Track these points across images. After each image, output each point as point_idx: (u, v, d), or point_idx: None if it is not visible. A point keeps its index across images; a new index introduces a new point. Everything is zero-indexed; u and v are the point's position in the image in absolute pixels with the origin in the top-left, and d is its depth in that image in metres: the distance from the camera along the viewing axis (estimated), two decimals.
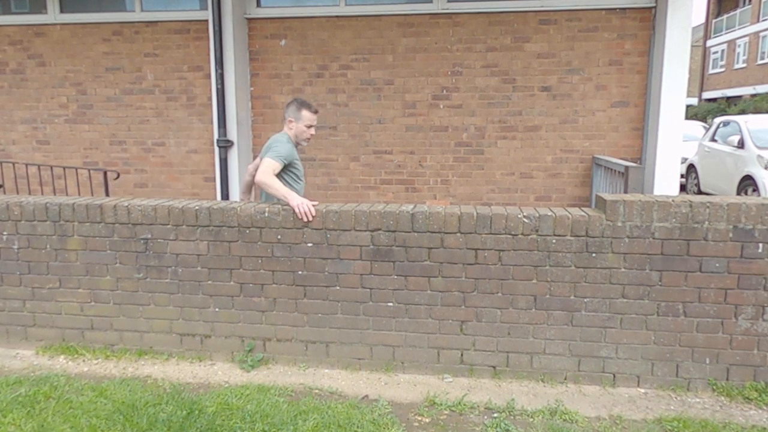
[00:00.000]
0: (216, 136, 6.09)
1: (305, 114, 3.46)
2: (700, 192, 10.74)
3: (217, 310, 3.30)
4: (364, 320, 3.18)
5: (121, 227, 3.30)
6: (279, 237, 3.17)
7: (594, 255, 2.94)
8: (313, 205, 3.14)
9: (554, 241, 2.96)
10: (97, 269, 3.37)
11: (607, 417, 2.75)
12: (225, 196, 6.16)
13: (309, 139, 3.55)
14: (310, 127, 3.49)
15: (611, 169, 5.03)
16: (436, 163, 6.11)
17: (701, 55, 31.45)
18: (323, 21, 6.04)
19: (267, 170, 3.23)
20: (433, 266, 3.08)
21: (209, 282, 3.28)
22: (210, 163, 6.37)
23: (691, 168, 11.38)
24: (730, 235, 2.86)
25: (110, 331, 3.42)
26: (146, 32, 6.28)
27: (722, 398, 2.92)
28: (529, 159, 5.98)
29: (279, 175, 3.32)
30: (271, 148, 3.35)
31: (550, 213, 2.97)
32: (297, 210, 3.13)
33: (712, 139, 10.65)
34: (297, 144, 3.53)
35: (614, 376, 3.04)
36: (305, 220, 3.13)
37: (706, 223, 2.87)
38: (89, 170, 6.14)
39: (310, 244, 3.16)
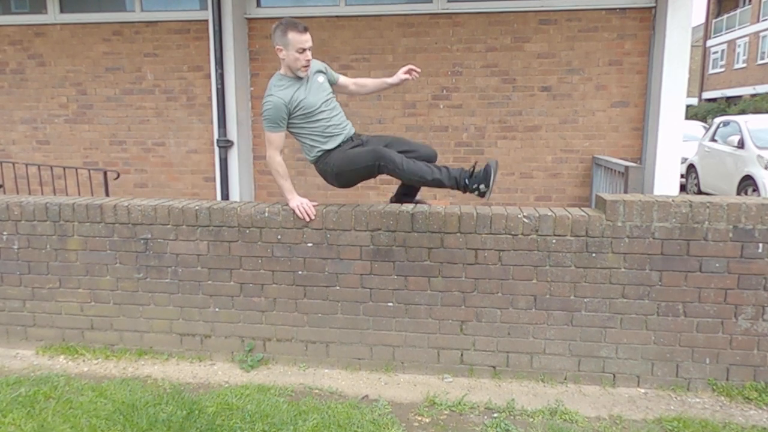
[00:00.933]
0: (216, 136, 6.08)
1: (292, 37, 2.90)
2: (700, 192, 10.74)
3: (217, 310, 3.30)
4: (364, 320, 3.18)
5: (121, 227, 3.30)
6: (279, 237, 3.17)
7: (594, 255, 2.94)
8: (314, 205, 3.14)
9: (554, 241, 2.96)
10: (97, 269, 3.37)
11: (607, 417, 2.75)
12: (225, 196, 6.16)
13: (306, 67, 2.97)
14: (302, 51, 2.92)
15: (611, 169, 5.03)
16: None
17: (701, 55, 31.45)
18: (323, 21, 6.04)
19: (269, 151, 3.00)
20: (433, 266, 3.08)
21: (209, 282, 3.28)
22: (210, 163, 6.37)
23: (691, 168, 11.38)
24: (730, 235, 2.86)
25: (110, 331, 3.42)
26: (146, 32, 6.28)
27: (722, 398, 2.92)
28: (529, 159, 5.98)
29: (298, 135, 3.05)
30: (263, 119, 2.98)
31: (550, 213, 2.97)
32: (296, 211, 3.07)
33: (712, 139, 10.65)
34: (296, 75, 3.01)
35: (614, 376, 3.04)
36: (306, 220, 3.08)
37: (706, 223, 2.87)
38: (89, 170, 6.14)
39: (310, 244, 3.16)
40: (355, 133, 3.22)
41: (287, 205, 3.13)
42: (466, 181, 2.95)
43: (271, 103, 2.94)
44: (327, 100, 3.09)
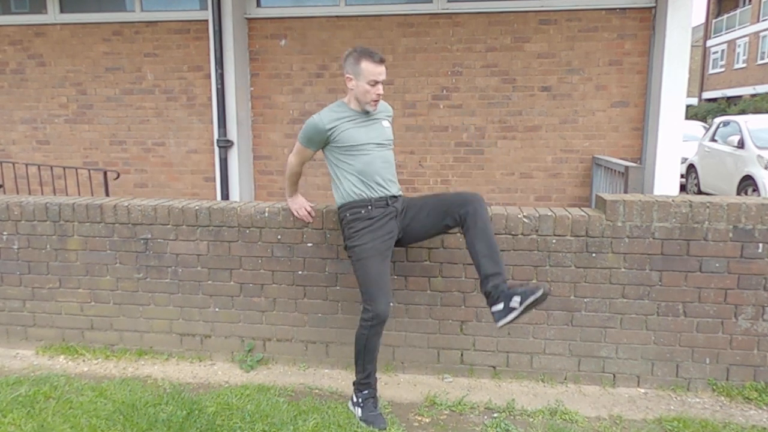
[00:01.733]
0: (216, 136, 6.09)
1: (366, 66, 2.61)
2: (700, 192, 10.74)
3: (217, 310, 3.30)
4: None
5: (121, 227, 3.30)
6: (279, 237, 3.17)
7: (594, 255, 2.94)
8: (312, 206, 3.13)
9: (554, 241, 2.96)
10: (97, 269, 3.37)
11: (607, 417, 2.75)
12: (225, 196, 6.16)
13: (376, 102, 2.69)
14: (375, 84, 2.65)
15: (611, 169, 5.04)
16: (436, 163, 6.11)
17: (701, 55, 31.45)
18: (323, 21, 6.04)
19: (292, 154, 2.89)
20: (433, 266, 3.07)
21: (209, 282, 3.28)
22: (210, 163, 6.37)
23: (691, 168, 11.38)
24: (730, 235, 2.86)
25: (110, 331, 3.42)
26: (146, 32, 6.28)
27: (722, 398, 2.92)
28: (529, 159, 5.98)
29: (331, 159, 2.75)
30: (300, 134, 2.81)
31: (550, 213, 2.97)
32: (295, 213, 3.06)
33: (712, 139, 10.65)
34: (363, 111, 2.73)
35: (614, 376, 3.04)
36: (305, 221, 3.06)
37: (706, 223, 2.87)
38: (89, 170, 6.14)
39: (310, 244, 3.16)
40: (401, 198, 2.79)
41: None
42: (501, 289, 2.50)
43: (310, 122, 2.73)
44: (381, 144, 2.74)
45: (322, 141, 2.71)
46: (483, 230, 2.57)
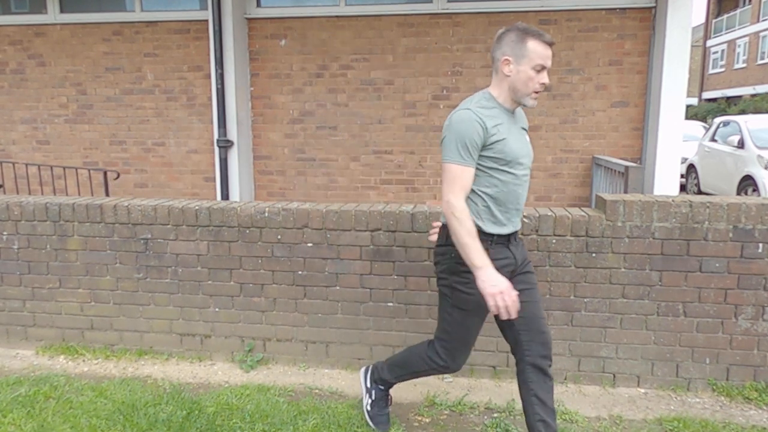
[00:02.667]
0: (216, 136, 6.09)
1: (534, 47, 2.06)
2: (700, 192, 10.74)
3: (217, 310, 3.30)
4: (364, 320, 3.18)
5: (121, 227, 3.30)
6: (279, 237, 3.17)
7: (594, 255, 2.94)
8: (314, 207, 3.12)
9: (554, 241, 2.96)
10: (97, 269, 3.37)
11: (607, 417, 2.75)
12: (225, 196, 6.16)
13: (538, 93, 2.13)
14: (541, 69, 2.09)
15: (611, 169, 5.04)
16: (436, 163, 6.11)
17: (701, 55, 31.46)
18: (323, 21, 6.04)
19: (449, 191, 2.06)
20: (433, 266, 3.07)
21: (209, 282, 3.28)
22: (210, 163, 6.37)
23: (691, 168, 11.38)
24: (730, 235, 2.86)
25: (110, 331, 3.42)
26: (146, 32, 6.28)
27: (722, 398, 2.92)
28: None
29: (477, 174, 2.12)
30: (445, 143, 2.09)
31: (550, 213, 2.97)
32: (491, 299, 2.01)
33: (712, 139, 10.65)
34: (518, 104, 2.18)
35: (614, 376, 3.04)
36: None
37: (706, 223, 2.87)
38: (89, 170, 6.14)
39: (310, 244, 3.16)
40: (521, 243, 2.34)
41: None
42: None
43: (464, 118, 2.06)
44: (528, 164, 2.22)
45: (479, 146, 2.06)
46: (551, 386, 2.26)
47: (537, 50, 2.07)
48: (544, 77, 2.10)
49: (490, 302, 2.00)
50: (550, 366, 2.25)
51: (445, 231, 2.21)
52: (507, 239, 2.20)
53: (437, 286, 2.33)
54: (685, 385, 2.99)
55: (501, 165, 2.10)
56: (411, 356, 2.47)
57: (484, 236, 2.13)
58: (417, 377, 2.54)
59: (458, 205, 2.05)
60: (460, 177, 2.07)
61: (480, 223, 2.13)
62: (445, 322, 2.30)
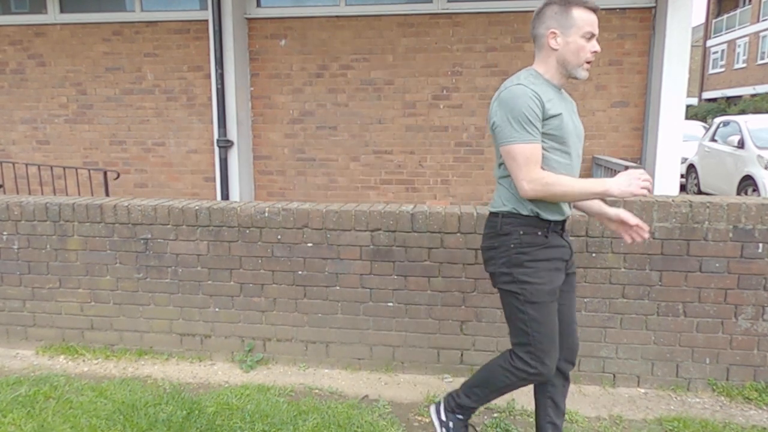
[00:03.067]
0: (216, 136, 6.09)
1: (580, 15, 1.96)
2: (700, 192, 10.74)
3: (217, 310, 3.30)
4: (364, 320, 3.18)
5: (121, 227, 3.30)
6: (279, 237, 3.17)
7: (594, 255, 2.94)
8: (315, 206, 3.12)
9: None
10: (97, 269, 3.37)
11: (607, 417, 2.75)
12: (225, 196, 6.16)
13: (590, 63, 2.02)
14: (591, 37, 1.99)
15: (611, 169, 5.04)
16: (436, 163, 6.11)
17: (701, 55, 31.46)
18: (323, 21, 6.04)
19: (525, 171, 1.91)
20: (433, 266, 3.07)
21: (209, 282, 3.28)
22: (210, 163, 6.37)
23: (691, 168, 11.38)
24: (730, 235, 2.86)
25: (110, 331, 3.42)
26: (146, 32, 6.28)
27: (722, 398, 2.92)
28: None
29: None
30: (499, 124, 1.95)
31: None
32: (634, 191, 1.88)
33: (712, 139, 10.65)
34: (568, 78, 2.07)
35: (614, 376, 3.04)
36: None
37: (706, 223, 2.87)
38: (89, 170, 6.14)
39: (310, 244, 3.16)
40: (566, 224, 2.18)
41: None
42: None
43: (515, 93, 1.92)
44: (577, 144, 2.09)
45: (540, 119, 1.93)
46: (567, 389, 2.26)
47: (583, 17, 1.97)
48: (595, 45, 2.00)
49: (642, 193, 1.87)
50: (570, 370, 2.25)
51: (493, 223, 2.09)
52: (561, 227, 2.10)
53: (497, 288, 2.14)
54: (685, 385, 2.99)
55: (558, 144, 1.98)
56: (491, 373, 2.19)
57: (542, 223, 2.02)
58: (503, 393, 2.22)
59: (544, 175, 1.91)
60: (531, 156, 1.91)
61: (537, 210, 2.01)
62: (521, 323, 2.06)
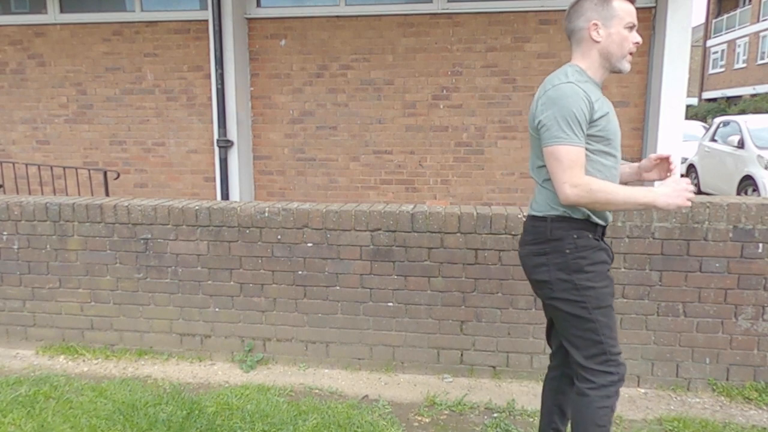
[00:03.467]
0: (216, 136, 6.08)
1: (620, 5, 1.93)
2: (700, 192, 10.74)
3: (217, 310, 3.30)
4: (364, 320, 3.18)
5: (121, 227, 3.30)
6: (279, 237, 3.17)
7: None
8: (314, 207, 3.12)
9: None
10: (97, 269, 3.37)
11: None
12: (225, 196, 6.16)
13: (632, 54, 2.00)
14: (633, 28, 1.95)
15: None
16: (436, 163, 6.11)
17: (701, 55, 31.46)
18: (323, 21, 6.04)
19: (569, 175, 1.82)
20: (433, 266, 3.07)
21: (209, 282, 3.28)
22: (210, 163, 6.37)
23: (691, 168, 11.38)
24: (730, 235, 2.86)
25: (110, 331, 3.42)
26: (146, 32, 6.27)
27: (722, 398, 2.92)
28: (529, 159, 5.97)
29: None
30: (546, 123, 1.86)
31: None
32: (678, 203, 1.84)
33: (712, 139, 10.65)
34: (610, 72, 2.04)
35: None
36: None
37: (706, 223, 2.87)
38: (89, 170, 6.14)
39: (310, 244, 3.16)
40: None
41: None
42: None
43: (566, 93, 1.85)
44: (619, 144, 2.02)
45: (588, 120, 1.87)
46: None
47: (624, 8, 1.93)
48: (636, 36, 1.96)
49: (687, 204, 1.83)
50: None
51: (540, 227, 1.98)
52: (603, 231, 2.02)
53: (549, 300, 1.99)
54: (685, 385, 2.99)
55: (604, 145, 1.90)
56: (583, 412, 1.98)
57: (592, 226, 1.95)
58: (613, 413, 2.00)
59: (588, 181, 1.82)
60: (577, 160, 1.83)
61: (589, 213, 1.93)
62: (590, 333, 1.93)
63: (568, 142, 1.82)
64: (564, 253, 1.93)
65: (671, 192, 1.83)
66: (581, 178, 1.82)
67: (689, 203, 1.84)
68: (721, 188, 9.80)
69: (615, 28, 1.92)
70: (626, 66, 2.00)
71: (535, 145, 1.99)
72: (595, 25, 1.92)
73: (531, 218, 2.05)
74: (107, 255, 3.34)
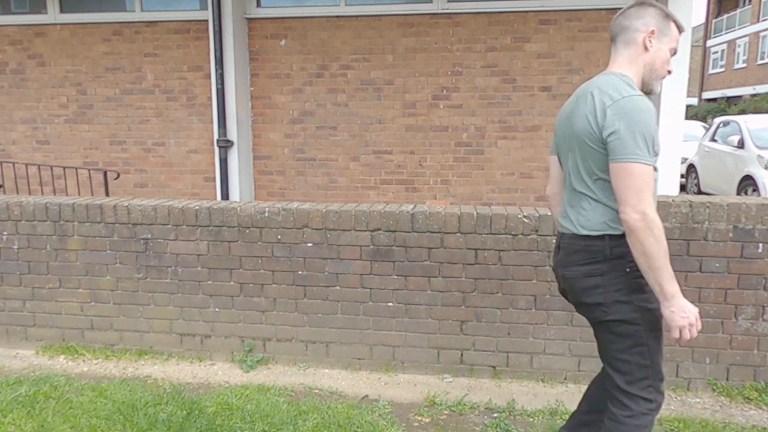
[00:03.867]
0: (216, 136, 6.08)
1: (674, 28, 1.91)
2: (700, 192, 10.74)
3: (217, 310, 3.30)
4: (364, 320, 3.18)
5: (121, 227, 3.30)
6: (279, 237, 3.17)
7: None
8: (314, 207, 3.12)
9: (554, 241, 2.96)
10: (97, 269, 3.37)
11: None
12: (225, 196, 6.16)
13: (664, 77, 1.96)
14: (673, 54, 1.95)
15: None
16: (436, 163, 6.11)
17: (701, 55, 31.46)
18: (323, 21, 6.04)
19: (642, 195, 1.68)
20: (433, 266, 3.07)
21: (209, 282, 3.28)
22: (210, 163, 6.37)
23: (691, 168, 11.38)
24: (730, 235, 2.86)
25: (110, 331, 3.42)
26: (146, 32, 6.27)
27: (722, 398, 2.92)
28: (529, 159, 5.98)
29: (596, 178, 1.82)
30: (622, 136, 1.70)
31: (550, 213, 2.97)
32: (680, 331, 1.74)
33: (712, 139, 10.65)
34: (645, 86, 1.92)
35: None
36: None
37: (706, 223, 2.87)
38: (89, 170, 6.14)
39: (310, 244, 3.16)
40: None
41: (662, 300, 1.76)
42: None
43: (641, 107, 1.72)
44: None
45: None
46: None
47: (676, 31, 1.90)
48: (671, 63, 1.92)
49: (675, 334, 1.72)
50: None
51: (597, 246, 1.83)
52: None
53: (605, 324, 1.86)
54: (685, 385, 2.99)
55: (655, 161, 1.75)
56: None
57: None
58: None
59: (657, 220, 1.67)
60: (649, 182, 1.69)
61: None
62: (640, 357, 1.84)
63: (644, 161, 1.69)
64: (625, 272, 1.81)
65: (682, 313, 1.71)
66: (652, 209, 1.69)
67: (688, 336, 1.73)
68: (721, 188, 9.80)
69: (665, 45, 1.89)
70: (658, 88, 1.93)
71: (592, 156, 1.81)
72: (653, 32, 1.85)
73: (582, 237, 1.87)
74: (107, 255, 3.34)
